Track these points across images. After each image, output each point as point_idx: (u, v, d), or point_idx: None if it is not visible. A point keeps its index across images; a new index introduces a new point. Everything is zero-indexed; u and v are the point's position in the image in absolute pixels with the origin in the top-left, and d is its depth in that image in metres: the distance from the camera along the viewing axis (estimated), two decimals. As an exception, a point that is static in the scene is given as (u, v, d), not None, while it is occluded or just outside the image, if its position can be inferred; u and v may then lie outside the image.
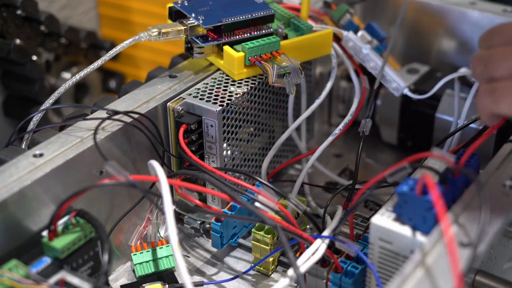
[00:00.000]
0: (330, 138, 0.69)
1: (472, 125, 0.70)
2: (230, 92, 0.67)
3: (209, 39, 0.68)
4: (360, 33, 0.75)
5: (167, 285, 0.64)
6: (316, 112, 0.79)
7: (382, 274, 0.55)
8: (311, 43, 0.71)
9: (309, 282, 0.61)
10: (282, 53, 0.67)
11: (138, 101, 0.66)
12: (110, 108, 0.64)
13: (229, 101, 0.65)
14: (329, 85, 0.72)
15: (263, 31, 0.69)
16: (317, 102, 0.72)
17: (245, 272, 0.67)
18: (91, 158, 0.60)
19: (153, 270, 0.66)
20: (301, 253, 0.60)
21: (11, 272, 0.49)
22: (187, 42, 0.69)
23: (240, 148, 0.70)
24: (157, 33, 0.66)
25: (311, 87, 0.78)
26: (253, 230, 0.66)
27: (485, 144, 0.56)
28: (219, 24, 0.67)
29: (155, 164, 0.56)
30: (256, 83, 0.69)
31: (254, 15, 0.68)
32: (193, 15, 0.68)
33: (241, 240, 0.70)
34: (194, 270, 0.68)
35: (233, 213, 0.66)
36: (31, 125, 0.65)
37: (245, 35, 0.68)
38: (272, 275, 0.67)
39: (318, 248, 0.59)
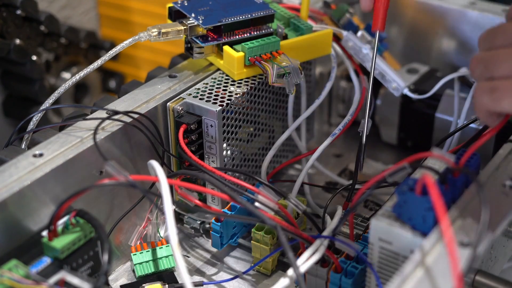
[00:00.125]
0: (330, 138, 0.69)
1: (472, 125, 0.70)
2: (230, 92, 0.67)
3: (209, 39, 0.68)
4: (360, 33, 0.75)
5: (167, 285, 0.64)
6: (316, 112, 0.79)
7: (382, 274, 0.55)
8: (311, 43, 0.71)
9: (309, 282, 0.61)
10: (282, 53, 0.67)
11: (138, 101, 0.66)
12: (110, 108, 0.64)
13: (229, 101, 0.65)
14: (329, 85, 0.72)
15: (263, 31, 0.69)
16: (317, 102, 0.72)
17: (245, 272, 0.67)
18: (91, 158, 0.60)
19: (153, 270, 0.66)
20: (301, 253, 0.60)
21: (11, 272, 0.49)
22: (187, 42, 0.69)
23: (240, 148, 0.70)
24: (157, 33, 0.66)
25: (311, 87, 0.78)
26: (253, 230, 0.66)
27: (485, 144, 0.56)
28: (219, 24, 0.67)
29: (155, 164, 0.56)
30: (256, 83, 0.69)
31: (254, 15, 0.68)
32: (193, 15, 0.68)
33: (241, 240, 0.70)
34: (194, 270, 0.68)
35: (233, 213, 0.66)
36: (31, 125, 0.65)
37: (245, 35, 0.68)
38: (272, 275, 0.67)
39: (318, 248, 0.59)
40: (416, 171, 0.56)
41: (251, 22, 0.68)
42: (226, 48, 0.67)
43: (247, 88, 0.68)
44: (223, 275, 0.67)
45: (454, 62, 0.85)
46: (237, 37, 0.68)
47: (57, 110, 1.01)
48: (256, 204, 0.61)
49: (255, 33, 0.69)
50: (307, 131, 0.79)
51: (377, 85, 0.80)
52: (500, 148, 0.60)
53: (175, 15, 0.68)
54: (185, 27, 0.67)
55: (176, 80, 0.69)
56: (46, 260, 0.52)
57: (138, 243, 0.67)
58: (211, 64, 0.71)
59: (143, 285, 0.63)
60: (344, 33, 0.74)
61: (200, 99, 0.65)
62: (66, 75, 1.03)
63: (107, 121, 0.62)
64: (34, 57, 0.93)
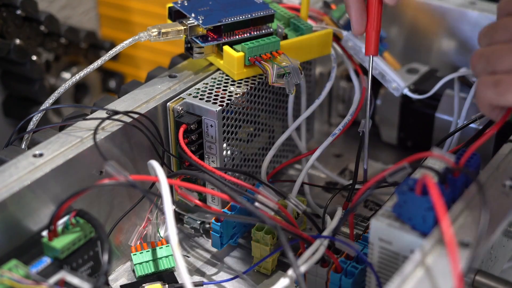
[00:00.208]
0: (330, 138, 0.69)
1: (472, 125, 0.70)
2: (230, 92, 0.67)
3: (209, 39, 0.68)
4: (360, 33, 0.75)
5: (167, 285, 0.64)
6: (316, 112, 0.79)
7: (382, 274, 0.55)
8: (311, 43, 0.71)
9: (309, 282, 0.61)
10: (282, 53, 0.67)
11: (138, 101, 0.66)
12: (110, 108, 0.64)
13: (229, 101, 0.65)
14: (328, 85, 0.72)
15: (263, 31, 0.69)
16: (317, 102, 0.72)
17: (245, 272, 0.67)
18: (91, 158, 0.60)
19: (153, 270, 0.66)
20: (301, 253, 0.60)
21: (11, 272, 0.49)
22: (187, 42, 0.69)
23: (240, 148, 0.70)
24: (157, 33, 0.66)
25: (311, 87, 0.78)
26: (253, 230, 0.66)
27: (485, 144, 0.56)
28: (219, 24, 0.67)
29: (155, 164, 0.56)
30: (256, 83, 0.69)
31: (254, 15, 0.68)
32: (193, 15, 0.68)
33: (241, 240, 0.70)
34: (194, 270, 0.68)
35: (233, 213, 0.66)
36: (31, 125, 0.65)
37: (245, 35, 0.68)
38: (272, 275, 0.67)
39: (318, 248, 0.59)
40: (416, 171, 0.56)
41: (251, 22, 0.68)
42: (226, 48, 0.67)
43: (247, 88, 0.68)
44: (223, 275, 0.67)
45: (454, 62, 0.85)
46: (237, 37, 0.68)
47: (57, 110, 1.01)
48: (256, 204, 0.61)
49: (255, 33, 0.69)
50: (307, 131, 0.79)
51: (377, 85, 0.80)
52: (500, 148, 0.60)
53: (175, 15, 0.68)
54: (185, 27, 0.67)
55: (176, 80, 0.69)
56: (46, 260, 0.52)
57: (138, 243, 0.67)
58: (211, 64, 0.71)
59: (143, 285, 0.63)
60: (344, 33, 0.74)
61: (200, 99, 0.65)
62: (66, 75, 1.03)
63: (107, 121, 0.62)
64: (34, 57, 0.93)
